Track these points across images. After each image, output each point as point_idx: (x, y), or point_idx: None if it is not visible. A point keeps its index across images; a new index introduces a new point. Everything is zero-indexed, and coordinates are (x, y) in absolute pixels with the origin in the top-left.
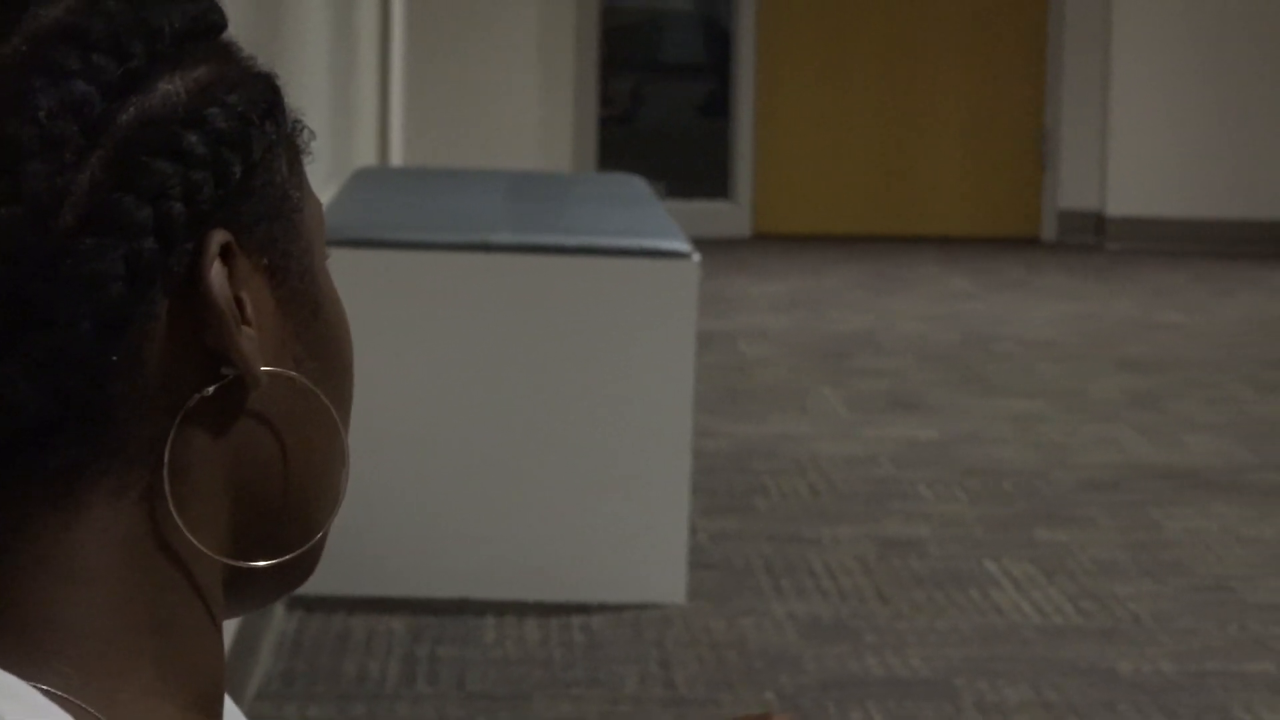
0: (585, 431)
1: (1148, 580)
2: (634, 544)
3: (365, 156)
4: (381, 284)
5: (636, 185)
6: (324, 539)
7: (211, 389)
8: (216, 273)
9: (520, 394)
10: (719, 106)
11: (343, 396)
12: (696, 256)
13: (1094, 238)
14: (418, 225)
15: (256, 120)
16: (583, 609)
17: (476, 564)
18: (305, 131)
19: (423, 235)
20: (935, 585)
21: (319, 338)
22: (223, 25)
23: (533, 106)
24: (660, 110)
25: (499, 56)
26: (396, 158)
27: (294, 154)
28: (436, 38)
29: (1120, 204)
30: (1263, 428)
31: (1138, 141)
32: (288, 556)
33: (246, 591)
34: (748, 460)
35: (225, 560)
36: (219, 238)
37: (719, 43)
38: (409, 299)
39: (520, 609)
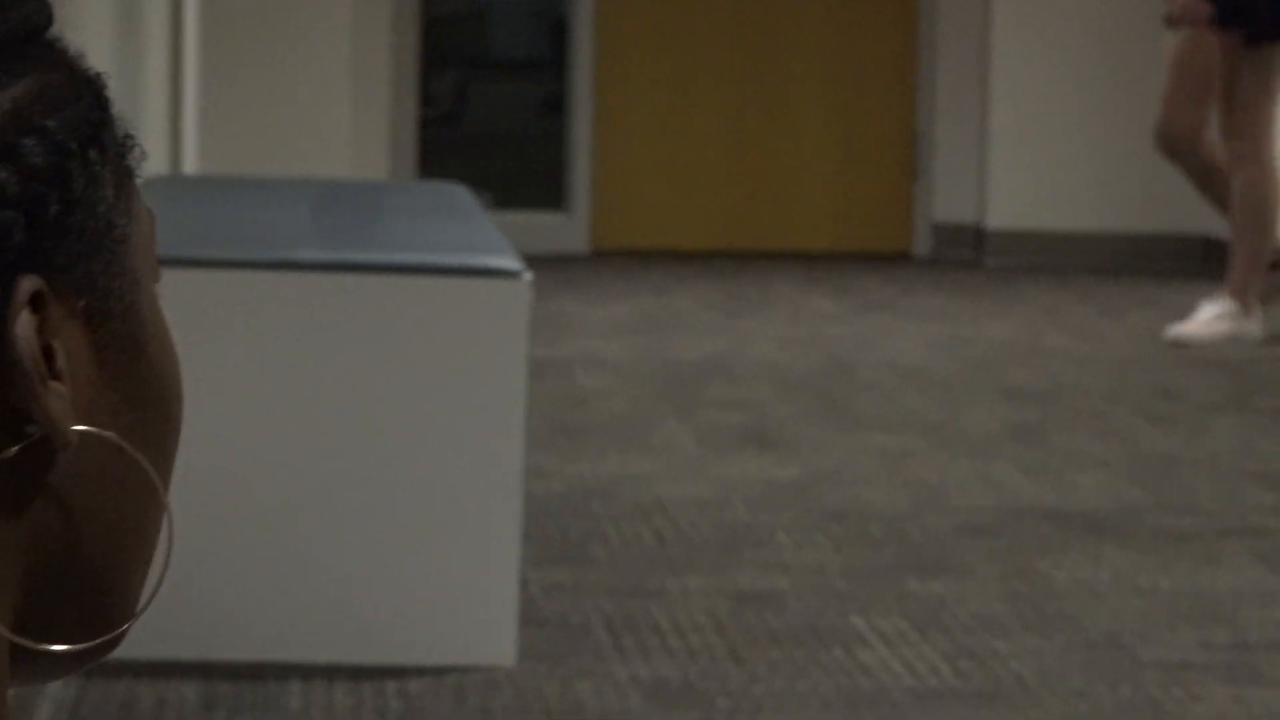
0: (402, 472)
1: (1032, 636)
2: (457, 598)
3: (154, 164)
4: (169, 307)
5: (461, 195)
6: (135, 608)
7: (14, 450)
8: (23, 324)
9: (328, 430)
10: (554, 107)
11: (164, 449)
12: (528, 275)
13: (971, 253)
14: (211, 240)
15: (78, 149)
16: (399, 672)
17: (278, 622)
18: (136, 150)
19: (217, 251)
20: (795, 643)
21: (140, 384)
22: (48, 23)
23: (345, 106)
24: (489, 111)
25: (307, 50)
26: (190, 165)
27: (122, 177)
28: (236, 28)
29: (1001, 216)
30: (1158, 464)
31: (1020, 148)
32: (87, 644)
33: (42, 665)
34: (585, 503)
35: (15, 640)
36: (28, 285)
37: (554, 35)
38: (201, 324)
39: (329, 673)
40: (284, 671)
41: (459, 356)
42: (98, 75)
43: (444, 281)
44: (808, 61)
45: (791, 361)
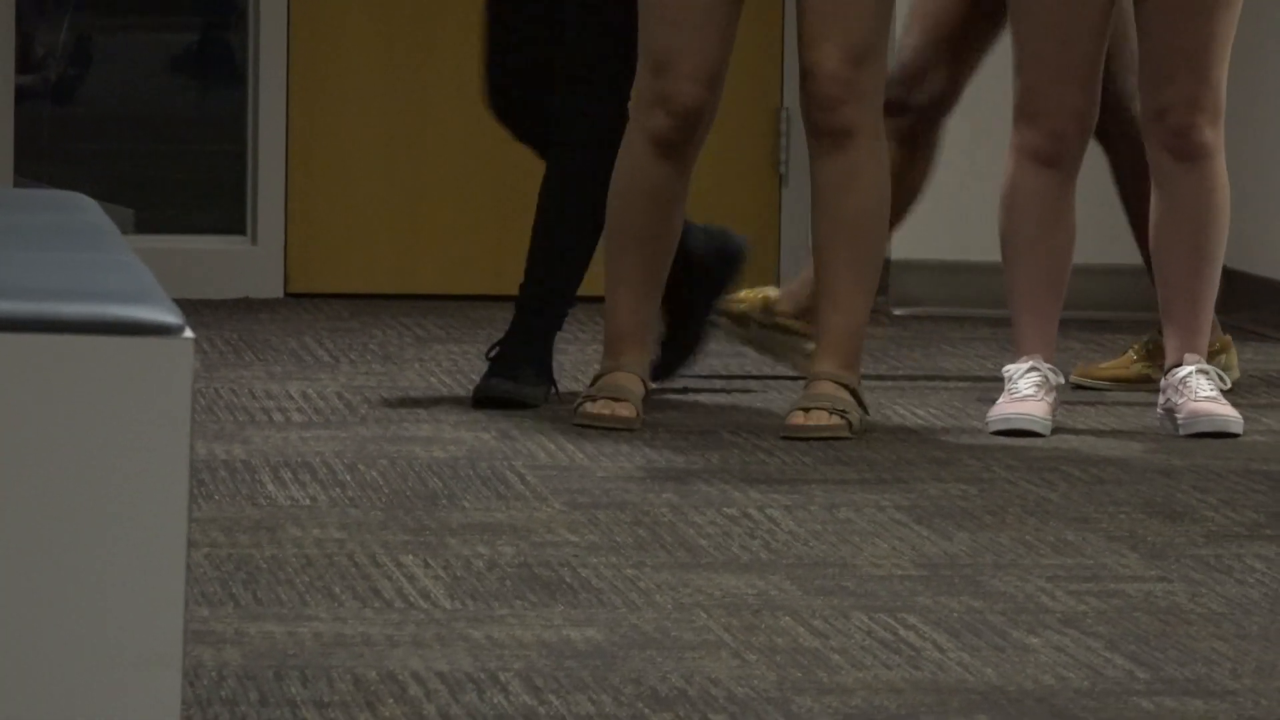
0: (31, 588)
1: None
2: None
3: None
4: None
5: (85, 211)
6: None
7: None
8: None
9: None
10: (229, 72)
11: None
12: (188, 332)
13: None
14: None
15: None
16: None
17: None
18: None
19: None
20: None
21: None
22: None
23: None
24: (121, 78)
25: None
26: None
27: None
28: None
29: (908, 247)
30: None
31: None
32: None
33: None
34: (277, 684)
35: None
36: None
37: None
38: None
39: None
40: None
41: (91, 444)
42: None
43: (67, 342)
44: None
45: (592, 460)
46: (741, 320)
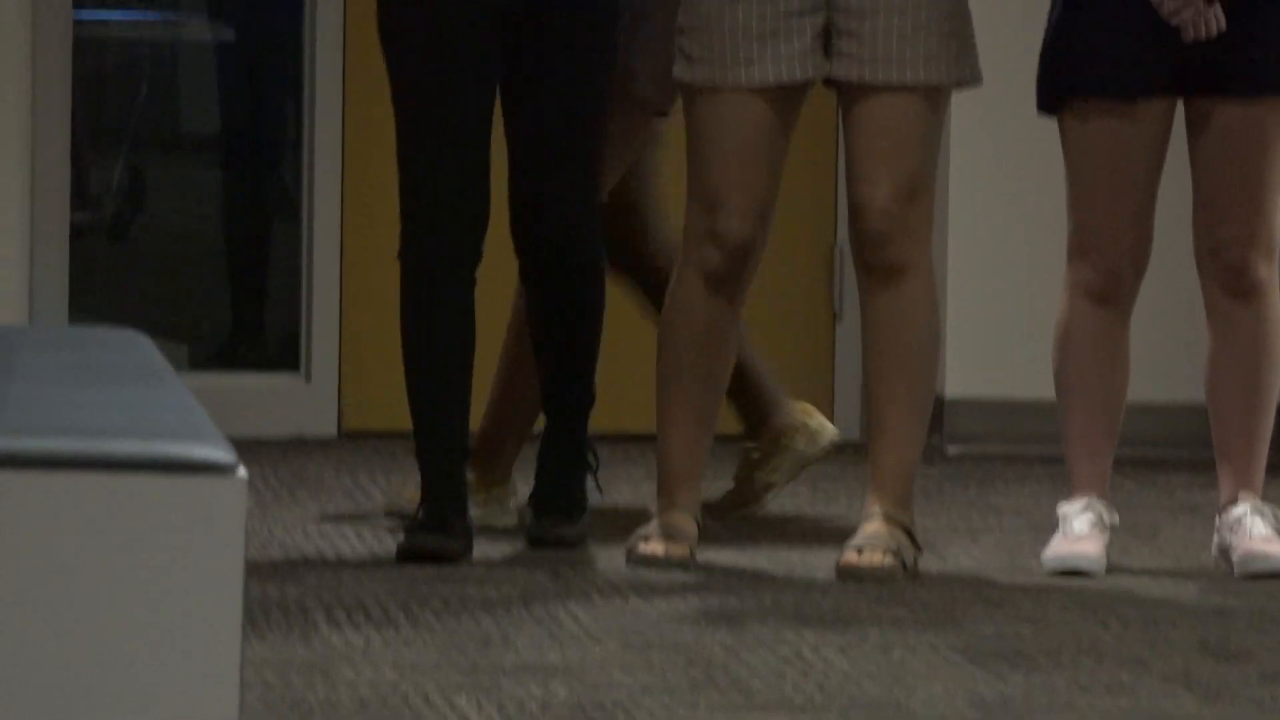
0: None
1: None
2: None
3: None
4: None
5: (140, 349)
6: None
7: None
8: None
9: None
10: (276, 206)
11: None
12: (242, 471)
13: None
14: None
15: None
16: None
17: None
18: None
19: None
20: None
21: None
22: None
23: None
24: (176, 214)
25: None
26: None
27: None
28: None
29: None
30: None
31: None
32: None
33: None
34: None
35: None
36: None
37: (276, 93)
38: None
39: None
40: None
41: (145, 582)
42: None
43: (122, 480)
44: None
45: (645, 600)
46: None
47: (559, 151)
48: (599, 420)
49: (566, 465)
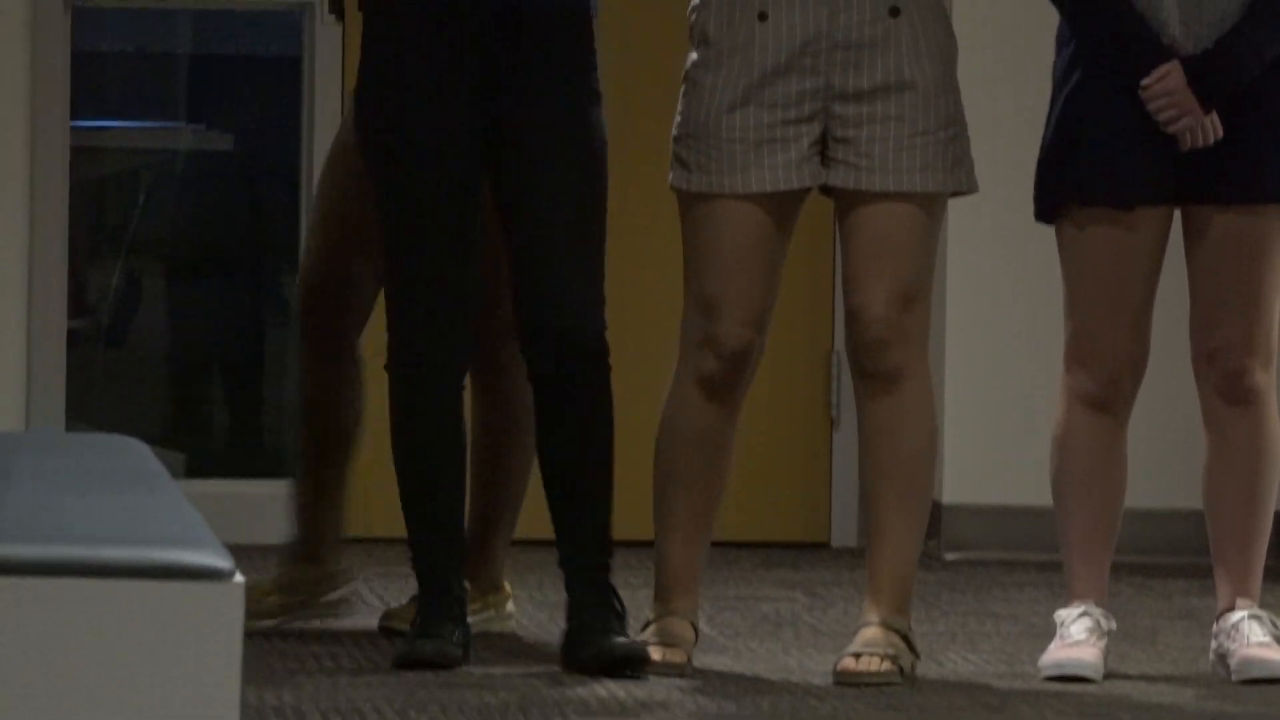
0: None
1: None
2: None
3: None
4: None
5: (136, 455)
6: None
7: None
8: None
9: None
10: (272, 314)
11: None
12: (239, 576)
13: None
14: None
15: None
16: None
17: None
18: None
19: None
20: None
21: None
22: None
23: None
24: (172, 322)
25: None
26: None
27: None
28: None
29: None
30: None
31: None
32: None
33: None
34: None
35: None
36: None
37: (273, 201)
38: None
39: None
40: None
41: (142, 688)
42: None
43: (120, 586)
44: None
45: (643, 706)
46: None
47: (566, 245)
48: None
49: (601, 614)
